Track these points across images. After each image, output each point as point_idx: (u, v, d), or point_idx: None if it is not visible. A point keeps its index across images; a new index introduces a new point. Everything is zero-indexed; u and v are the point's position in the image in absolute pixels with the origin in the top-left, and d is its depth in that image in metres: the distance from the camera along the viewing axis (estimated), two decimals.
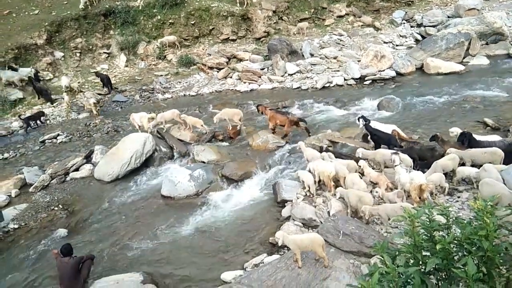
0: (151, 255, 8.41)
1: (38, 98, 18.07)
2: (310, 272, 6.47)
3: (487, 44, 19.70)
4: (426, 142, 10.80)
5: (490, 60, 18.40)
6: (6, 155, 14.23)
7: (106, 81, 19.16)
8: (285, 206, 9.22)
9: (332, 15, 24.92)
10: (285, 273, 6.53)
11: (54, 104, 17.81)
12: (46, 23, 20.67)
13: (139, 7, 22.78)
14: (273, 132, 12.94)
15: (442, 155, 9.42)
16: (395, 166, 8.85)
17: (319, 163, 9.38)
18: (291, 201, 9.14)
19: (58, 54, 20.51)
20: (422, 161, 9.75)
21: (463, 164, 9.02)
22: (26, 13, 21.86)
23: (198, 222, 9.37)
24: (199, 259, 8.12)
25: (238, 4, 22.91)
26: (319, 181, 9.34)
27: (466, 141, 9.69)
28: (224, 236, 8.75)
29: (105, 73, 20.16)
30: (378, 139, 11.02)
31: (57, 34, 20.86)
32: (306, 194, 9.35)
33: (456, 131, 10.42)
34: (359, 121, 11.76)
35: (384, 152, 9.82)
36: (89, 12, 21.74)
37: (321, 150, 10.61)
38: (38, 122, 16.56)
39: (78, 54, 21.09)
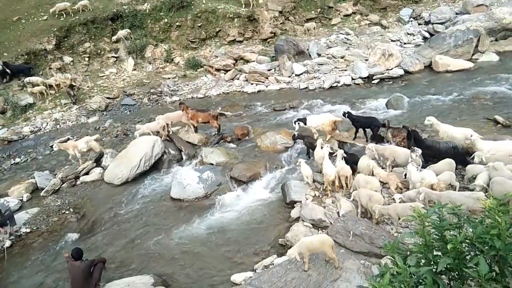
0: (162, 258, 8.45)
1: None
2: (320, 273, 6.45)
3: (496, 40, 19.42)
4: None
5: (500, 56, 18.14)
6: (17, 159, 14.43)
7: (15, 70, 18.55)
8: (294, 207, 9.22)
9: (339, 14, 24.81)
10: (295, 274, 6.52)
11: (64, 109, 18.01)
12: (55, 29, 20.90)
13: (146, 10, 22.92)
14: (195, 131, 13.64)
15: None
16: (409, 163, 8.80)
17: (324, 165, 9.34)
18: (300, 202, 9.13)
19: (67, 59, 20.71)
20: None
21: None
22: (35, 19, 22.11)
23: (208, 224, 9.40)
24: (209, 261, 8.13)
25: (243, 6, 22.94)
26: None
27: (411, 139, 9.98)
28: (234, 238, 8.77)
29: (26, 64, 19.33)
30: (360, 124, 11.60)
31: (65, 39, 21.08)
32: (315, 194, 9.33)
33: (432, 120, 10.45)
34: (295, 124, 12.02)
35: (394, 149, 9.77)
36: (97, 17, 21.93)
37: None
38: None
39: (86, 59, 21.28)
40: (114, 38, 21.76)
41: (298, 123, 12.00)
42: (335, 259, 6.44)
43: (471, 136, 9.28)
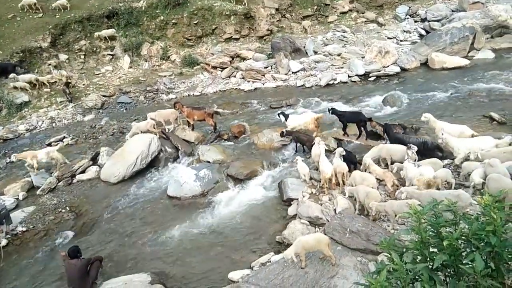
0: (159, 256, 8.44)
1: None
2: (317, 270, 6.46)
3: (492, 37, 19.53)
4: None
5: (496, 53, 18.24)
6: (13, 158, 14.30)
7: None
8: (291, 204, 9.23)
9: (335, 11, 24.85)
10: (293, 271, 6.53)
11: (60, 107, 17.94)
12: (50, 26, 20.75)
13: (142, 7, 22.80)
14: (192, 129, 13.71)
15: None
16: (405, 160, 8.83)
17: (321, 163, 9.36)
18: (297, 199, 9.15)
19: (63, 56, 20.57)
20: None
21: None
22: (30, 16, 21.92)
23: (205, 222, 9.39)
24: (206, 259, 8.13)
25: (236, 2, 22.91)
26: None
27: (384, 133, 10.70)
28: (231, 236, 8.77)
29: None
30: (346, 119, 11.75)
31: (61, 36, 20.93)
32: (312, 192, 9.35)
33: (428, 116, 10.50)
34: (279, 116, 12.56)
35: (388, 147, 9.82)
36: (93, 14, 21.82)
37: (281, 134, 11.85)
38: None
39: (82, 56, 21.14)
40: (96, 34, 21.30)
41: (283, 116, 12.40)
42: (331, 257, 6.45)
43: (442, 134, 9.34)
